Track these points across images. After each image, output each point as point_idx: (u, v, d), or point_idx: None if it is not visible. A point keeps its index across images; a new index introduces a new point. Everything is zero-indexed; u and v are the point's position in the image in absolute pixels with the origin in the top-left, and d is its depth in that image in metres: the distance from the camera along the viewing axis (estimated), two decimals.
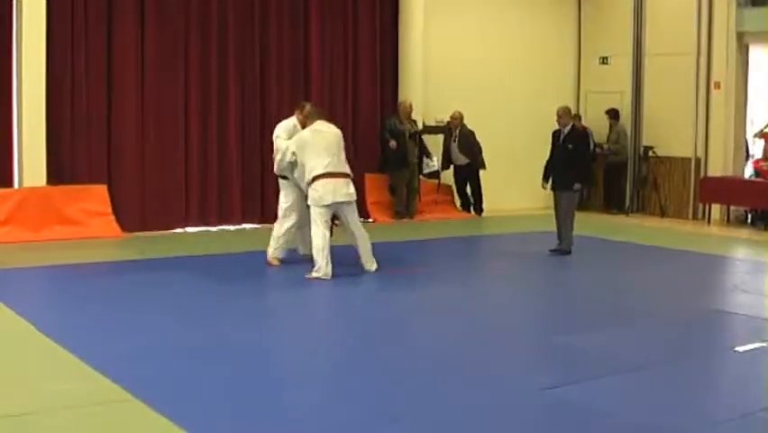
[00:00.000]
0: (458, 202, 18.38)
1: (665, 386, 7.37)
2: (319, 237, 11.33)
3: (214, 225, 15.78)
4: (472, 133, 17.74)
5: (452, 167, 18.03)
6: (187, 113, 15.53)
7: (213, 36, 15.67)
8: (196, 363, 7.63)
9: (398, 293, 11.08)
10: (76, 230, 14.11)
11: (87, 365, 7.34)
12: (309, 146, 11.55)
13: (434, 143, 17.83)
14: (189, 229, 15.54)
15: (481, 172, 17.94)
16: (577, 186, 13.50)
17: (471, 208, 18.26)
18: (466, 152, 17.71)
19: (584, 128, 17.11)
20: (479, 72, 18.66)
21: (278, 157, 12.07)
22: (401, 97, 17.56)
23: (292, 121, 12.29)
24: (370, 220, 16.76)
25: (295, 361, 7.92)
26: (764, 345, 8.73)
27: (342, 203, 11.57)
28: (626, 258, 13.74)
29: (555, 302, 10.86)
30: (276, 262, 12.23)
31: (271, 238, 12.33)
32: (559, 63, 20.37)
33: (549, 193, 13.84)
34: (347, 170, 11.75)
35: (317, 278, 11.22)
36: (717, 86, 18.54)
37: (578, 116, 18.88)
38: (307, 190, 11.52)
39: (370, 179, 17.09)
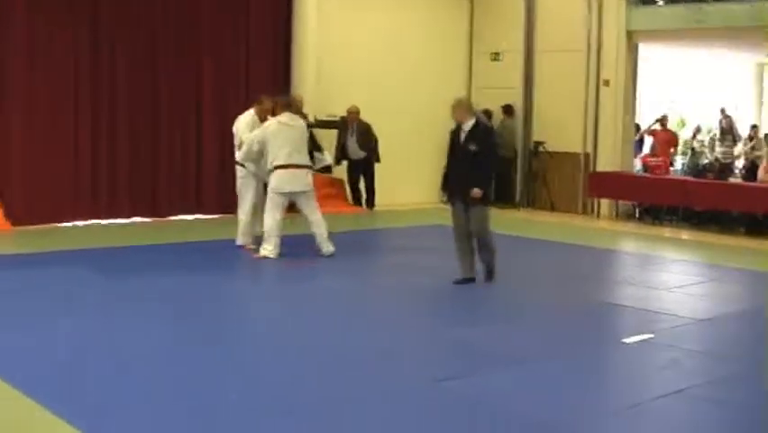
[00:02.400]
0: (349, 196, 18.37)
1: (556, 378, 7.47)
2: (270, 219, 12.31)
3: (104, 219, 15.48)
4: (369, 127, 17.75)
5: (346, 161, 18.00)
6: (76, 109, 15.19)
7: (103, 29, 15.34)
8: (86, 360, 7.50)
9: (290, 286, 11.07)
10: None
11: None
12: (273, 137, 12.33)
13: (327, 138, 17.76)
14: (78, 223, 15.23)
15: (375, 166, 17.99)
16: (489, 198, 11.05)
17: (364, 202, 18.26)
18: (363, 146, 17.71)
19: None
20: (371, 67, 18.66)
21: (244, 148, 12.71)
22: (294, 92, 17.47)
23: (250, 114, 13.07)
24: None
25: (185, 354, 7.82)
26: (652, 336, 8.92)
27: (299, 192, 12.45)
28: (515, 252, 13.80)
29: (447, 296, 10.88)
30: (252, 247, 12.88)
31: (239, 227, 13.09)
32: (451, 59, 20.48)
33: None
34: (307, 161, 12.66)
35: (265, 256, 12.26)
36: (607, 83, 18.87)
37: (488, 111, 18.97)
38: (268, 177, 12.39)
39: None
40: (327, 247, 12.61)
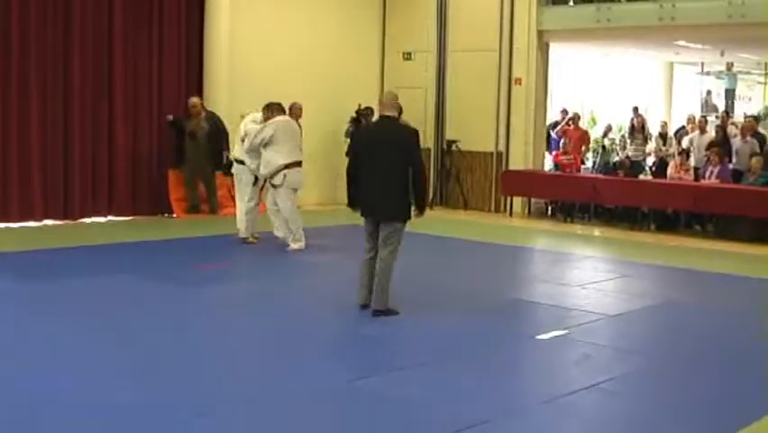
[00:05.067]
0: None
1: (470, 375, 7.48)
2: (296, 213, 13.24)
3: (16, 222, 15.14)
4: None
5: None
6: None
7: (14, 30, 14.96)
8: None
9: (202, 288, 10.94)
10: None
11: None
12: (282, 134, 13.00)
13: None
14: None
15: None
16: (413, 212, 9.42)
17: None
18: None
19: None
20: (284, 67, 18.49)
21: (249, 141, 13.17)
22: (206, 93, 17.29)
23: (259, 116, 13.45)
24: (174, 216, 16.51)
25: (97, 356, 7.67)
26: (565, 332, 8.98)
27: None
28: (428, 250, 13.81)
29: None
30: (253, 240, 13.67)
31: (238, 221, 13.68)
32: (363, 58, 20.46)
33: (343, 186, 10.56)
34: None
35: (300, 249, 13.12)
36: (519, 82, 19.01)
37: (368, 108, 18.89)
38: (267, 170, 13.01)
39: (173, 174, 16.77)
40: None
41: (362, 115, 18.62)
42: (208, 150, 16.37)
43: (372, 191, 9.37)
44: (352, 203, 9.79)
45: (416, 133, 9.59)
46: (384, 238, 9.34)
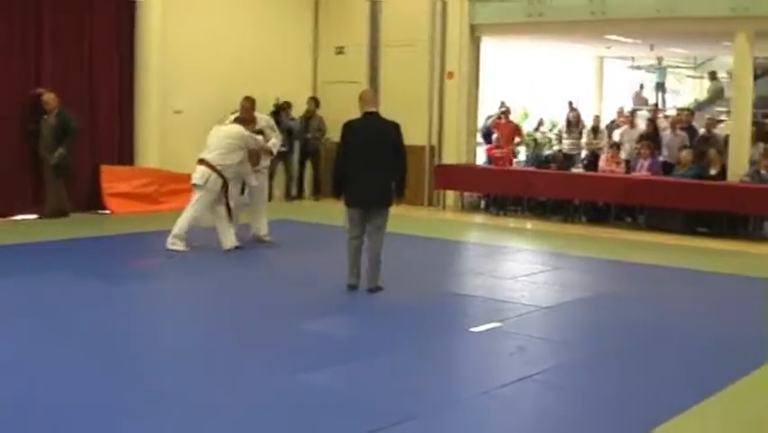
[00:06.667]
0: None
1: (407, 369, 7.51)
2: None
3: None
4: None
5: None
6: None
7: None
8: None
9: (137, 286, 10.83)
10: None
11: None
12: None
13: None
14: None
15: None
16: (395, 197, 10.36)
17: None
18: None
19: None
20: (216, 62, 18.36)
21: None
22: (139, 87, 17.13)
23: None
24: (107, 212, 16.33)
25: (24, 356, 7.55)
26: (499, 325, 9.03)
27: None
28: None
29: (296, 290, 10.80)
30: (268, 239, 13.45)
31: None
32: (295, 53, 20.37)
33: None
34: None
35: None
36: (451, 76, 19.07)
37: (287, 103, 18.85)
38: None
39: (106, 170, 16.60)
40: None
41: (281, 108, 18.57)
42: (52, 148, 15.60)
43: (365, 183, 10.15)
44: (338, 193, 10.40)
45: (399, 126, 10.44)
46: (378, 225, 10.20)
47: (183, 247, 12.54)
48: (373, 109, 10.43)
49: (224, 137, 12.80)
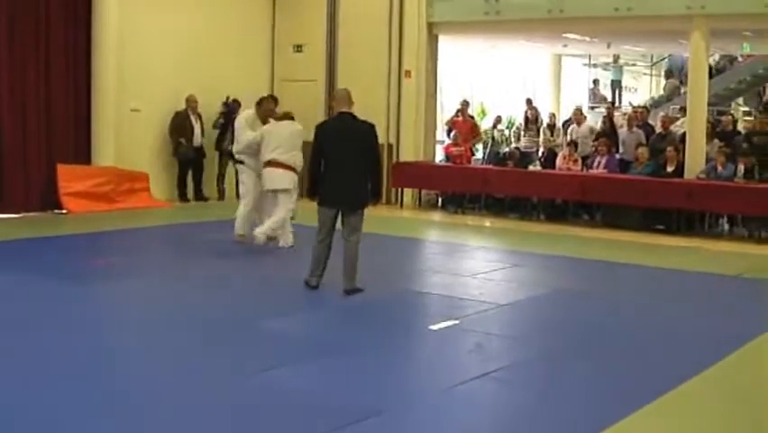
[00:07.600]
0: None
1: (366, 366, 7.51)
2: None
3: None
4: None
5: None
6: None
7: None
8: None
9: (98, 285, 10.74)
10: None
11: None
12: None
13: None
14: None
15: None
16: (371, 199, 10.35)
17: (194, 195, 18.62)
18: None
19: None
20: (173, 61, 18.26)
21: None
22: (95, 85, 17.01)
23: (252, 112, 13.26)
24: (64, 211, 16.19)
25: None
26: (457, 322, 9.05)
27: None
28: None
29: (254, 289, 10.79)
30: (240, 238, 13.17)
31: (237, 216, 13.24)
32: (253, 51, 20.32)
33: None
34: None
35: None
36: (408, 74, 19.09)
37: (236, 101, 18.83)
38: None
39: (63, 169, 16.46)
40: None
41: (230, 107, 18.54)
42: None
43: (340, 183, 9.98)
44: (314, 193, 10.23)
45: (374, 126, 10.34)
46: (353, 226, 10.12)
47: (279, 242, 12.95)
48: (346, 109, 10.24)
49: (295, 136, 12.93)
